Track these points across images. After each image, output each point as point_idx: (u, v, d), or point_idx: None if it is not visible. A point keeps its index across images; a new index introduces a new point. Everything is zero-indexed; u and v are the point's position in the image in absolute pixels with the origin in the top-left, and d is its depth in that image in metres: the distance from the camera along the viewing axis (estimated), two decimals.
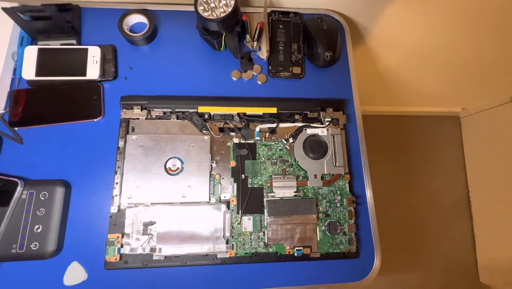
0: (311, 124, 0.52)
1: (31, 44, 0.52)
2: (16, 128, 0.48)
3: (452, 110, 1.39)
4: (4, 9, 0.46)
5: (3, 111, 0.48)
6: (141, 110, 0.50)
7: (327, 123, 0.52)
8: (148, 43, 0.55)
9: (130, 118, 0.49)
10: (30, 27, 0.50)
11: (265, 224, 0.47)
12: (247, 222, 0.47)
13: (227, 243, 0.46)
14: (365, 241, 0.50)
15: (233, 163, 0.49)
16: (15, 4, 0.48)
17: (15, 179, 0.44)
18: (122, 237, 0.44)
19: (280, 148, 0.51)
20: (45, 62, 0.50)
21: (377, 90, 1.09)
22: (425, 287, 1.22)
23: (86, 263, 0.44)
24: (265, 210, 0.48)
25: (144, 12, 0.54)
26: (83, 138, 0.49)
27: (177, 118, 0.50)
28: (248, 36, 0.56)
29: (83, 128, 0.50)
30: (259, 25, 0.56)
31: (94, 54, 0.51)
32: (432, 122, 1.38)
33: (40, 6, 0.47)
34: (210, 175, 0.48)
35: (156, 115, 0.50)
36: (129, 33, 0.53)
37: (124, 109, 0.50)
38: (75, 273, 0.43)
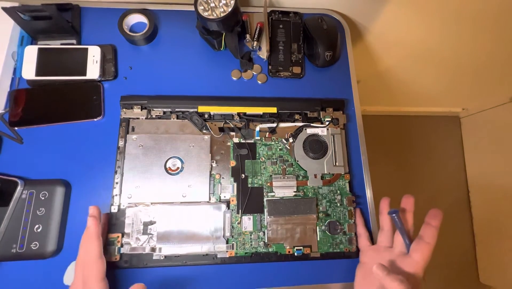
0: (311, 124, 0.52)
1: (31, 44, 0.52)
2: (16, 128, 0.48)
3: (452, 110, 1.39)
4: (4, 9, 0.46)
5: (3, 111, 0.48)
6: (141, 110, 0.50)
7: (327, 123, 0.52)
8: (148, 43, 0.55)
9: (130, 118, 0.49)
10: (30, 27, 0.50)
11: (265, 224, 0.47)
12: (247, 222, 0.47)
13: (227, 242, 0.46)
14: None
15: (233, 163, 0.49)
16: (15, 4, 0.48)
17: (15, 179, 0.44)
18: (122, 236, 0.44)
19: (280, 147, 0.51)
20: (45, 62, 0.50)
21: (377, 90, 1.09)
22: (425, 287, 1.22)
23: None
24: (265, 210, 0.47)
25: (144, 12, 0.54)
26: (83, 138, 0.49)
27: (177, 118, 0.50)
28: (248, 36, 0.56)
29: (83, 128, 0.50)
30: (259, 25, 0.56)
31: (94, 54, 0.51)
32: (432, 122, 1.38)
33: (40, 6, 0.46)
34: (210, 175, 0.48)
35: (156, 115, 0.50)
36: (129, 33, 0.53)
37: (124, 109, 0.50)
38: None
